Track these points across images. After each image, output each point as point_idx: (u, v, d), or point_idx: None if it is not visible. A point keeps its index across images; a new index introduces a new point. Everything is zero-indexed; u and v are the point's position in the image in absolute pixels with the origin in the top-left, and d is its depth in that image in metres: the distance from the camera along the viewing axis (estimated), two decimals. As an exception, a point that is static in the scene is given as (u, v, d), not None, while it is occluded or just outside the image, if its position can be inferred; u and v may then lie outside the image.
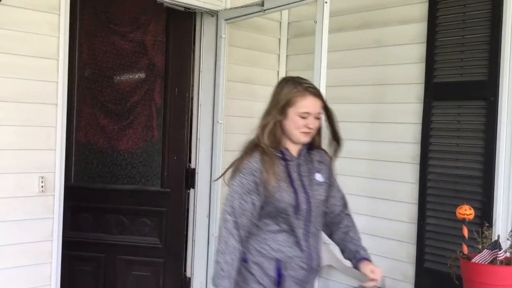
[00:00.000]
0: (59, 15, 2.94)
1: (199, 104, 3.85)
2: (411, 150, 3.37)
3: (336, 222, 2.33)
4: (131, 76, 3.97)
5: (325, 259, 3.28)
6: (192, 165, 3.90)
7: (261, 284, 2.11)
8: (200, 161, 3.86)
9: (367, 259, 2.24)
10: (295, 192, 2.12)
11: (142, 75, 3.90)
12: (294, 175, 2.15)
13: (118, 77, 3.98)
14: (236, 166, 2.16)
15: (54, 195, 2.95)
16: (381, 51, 3.55)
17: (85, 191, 3.86)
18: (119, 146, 3.97)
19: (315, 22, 3.02)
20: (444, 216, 3.18)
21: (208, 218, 3.84)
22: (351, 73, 3.65)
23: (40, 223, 2.92)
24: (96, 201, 3.87)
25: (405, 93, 3.41)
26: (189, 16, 3.77)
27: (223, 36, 3.74)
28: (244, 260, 2.11)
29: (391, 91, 3.49)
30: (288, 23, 4.23)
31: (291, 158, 2.17)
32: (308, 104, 2.14)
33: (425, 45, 3.31)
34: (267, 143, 2.14)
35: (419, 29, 3.35)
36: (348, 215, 2.37)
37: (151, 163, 3.89)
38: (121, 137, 3.96)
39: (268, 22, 4.14)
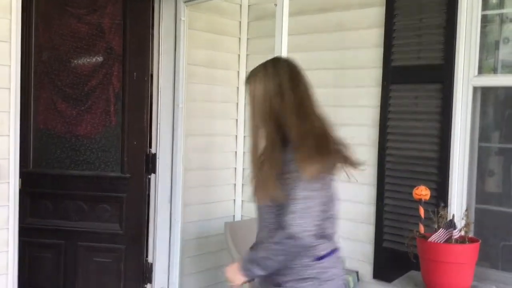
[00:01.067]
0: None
1: (159, 88, 3.80)
2: (370, 133, 3.42)
3: None
4: (88, 60, 3.87)
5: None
6: (153, 150, 3.85)
7: None
8: (161, 146, 3.82)
9: None
10: None
11: (99, 59, 3.80)
12: None
13: (75, 61, 3.86)
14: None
15: (9, 182, 2.86)
16: (341, 35, 3.57)
17: (44, 178, 3.80)
18: (77, 132, 3.88)
19: (275, 5, 3.00)
20: (401, 197, 3.26)
21: (169, 203, 3.82)
22: (312, 57, 3.66)
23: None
24: (55, 187, 3.80)
25: (365, 77, 3.45)
26: (147, -3, 3.70)
27: (182, 18, 3.70)
28: None
29: (351, 75, 3.53)
30: (249, 5, 4.21)
31: None
32: None
33: (383, 29, 3.34)
34: None
35: (378, 13, 3.38)
36: None
37: (110, 148, 3.82)
38: (79, 122, 3.87)
39: (228, 5, 4.11)
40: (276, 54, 3.05)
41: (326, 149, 1.93)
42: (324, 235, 2.02)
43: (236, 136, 4.26)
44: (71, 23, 3.80)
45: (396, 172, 3.30)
